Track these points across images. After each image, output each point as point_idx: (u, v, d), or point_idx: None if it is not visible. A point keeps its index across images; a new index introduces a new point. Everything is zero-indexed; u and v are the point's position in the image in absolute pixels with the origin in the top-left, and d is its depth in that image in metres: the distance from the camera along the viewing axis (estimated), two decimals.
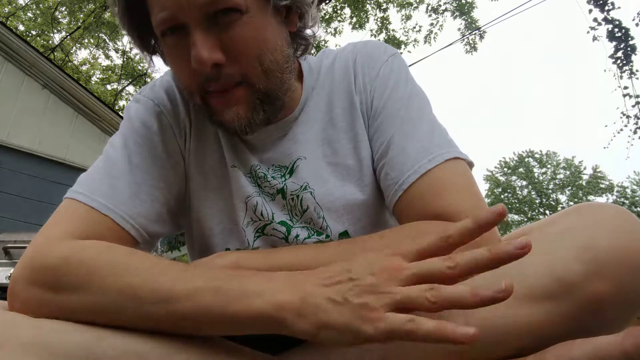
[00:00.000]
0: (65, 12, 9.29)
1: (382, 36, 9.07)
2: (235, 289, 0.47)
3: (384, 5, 8.92)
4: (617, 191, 25.05)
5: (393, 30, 9.14)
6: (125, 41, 9.89)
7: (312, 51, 0.77)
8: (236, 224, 0.72)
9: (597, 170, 25.33)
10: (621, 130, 6.99)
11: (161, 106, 0.72)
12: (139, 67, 10.37)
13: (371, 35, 9.06)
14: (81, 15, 8.87)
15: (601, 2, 5.95)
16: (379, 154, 0.68)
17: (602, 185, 25.13)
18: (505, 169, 27.13)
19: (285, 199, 0.71)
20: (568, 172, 26.14)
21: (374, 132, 0.70)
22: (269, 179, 0.71)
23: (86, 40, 10.21)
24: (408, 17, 9.13)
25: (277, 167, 0.72)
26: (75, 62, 11.11)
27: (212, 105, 0.62)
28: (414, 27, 9.18)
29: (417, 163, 0.63)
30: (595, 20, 6.08)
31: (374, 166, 0.71)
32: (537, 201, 26.04)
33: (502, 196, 26.52)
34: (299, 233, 0.71)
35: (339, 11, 8.96)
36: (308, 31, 0.70)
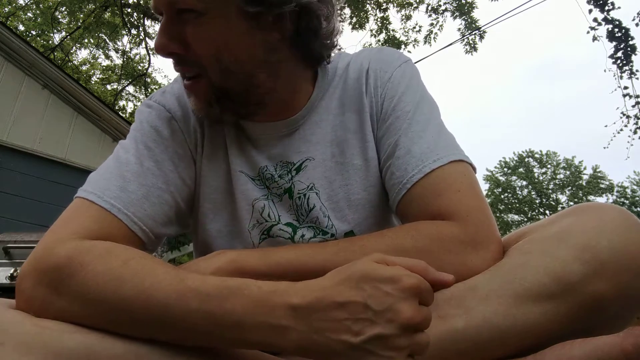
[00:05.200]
0: (65, 12, 9.28)
1: (382, 36, 9.06)
2: (230, 316, 0.45)
3: (384, 5, 8.91)
4: (617, 191, 25.08)
5: (393, 30, 9.13)
6: (125, 41, 9.90)
7: None
8: (242, 227, 0.73)
9: (597, 170, 25.35)
10: (621, 130, 6.99)
11: (172, 112, 0.73)
12: (139, 67, 10.37)
13: (371, 35, 9.06)
14: (81, 15, 8.86)
15: (601, 2, 5.95)
16: (386, 155, 0.69)
17: (602, 185, 25.15)
18: (505, 169, 27.14)
19: (292, 198, 0.72)
20: (568, 172, 26.15)
21: (383, 133, 0.71)
22: (276, 178, 0.72)
23: (86, 40, 10.21)
24: (408, 17, 9.11)
25: (283, 164, 0.73)
26: (75, 62, 11.12)
27: None
28: (414, 27, 9.15)
29: (421, 163, 0.64)
30: (595, 20, 6.09)
31: (381, 167, 0.71)
32: (537, 201, 26.05)
33: (502, 196, 26.55)
34: (305, 233, 0.71)
35: (339, 11, 8.95)
36: (319, 41, 0.68)
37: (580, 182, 25.56)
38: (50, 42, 10.16)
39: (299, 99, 0.73)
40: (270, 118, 0.73)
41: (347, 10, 8.80)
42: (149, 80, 10.09)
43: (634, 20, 6.46)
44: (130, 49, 9.99)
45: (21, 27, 10.25)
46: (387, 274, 0.43)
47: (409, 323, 0.42)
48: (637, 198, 24.53)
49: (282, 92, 0.70)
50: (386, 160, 0.69)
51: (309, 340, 0.43)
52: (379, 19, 9.02)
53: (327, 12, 0.67)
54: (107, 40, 10.12)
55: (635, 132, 6.84)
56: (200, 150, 0.74)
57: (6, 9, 9.38)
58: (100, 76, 11.91)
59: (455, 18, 8.68)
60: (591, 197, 24.56)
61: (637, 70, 6.39)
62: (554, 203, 25.68)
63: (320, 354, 0.44)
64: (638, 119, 6.71)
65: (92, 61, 11.78)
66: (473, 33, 8.40)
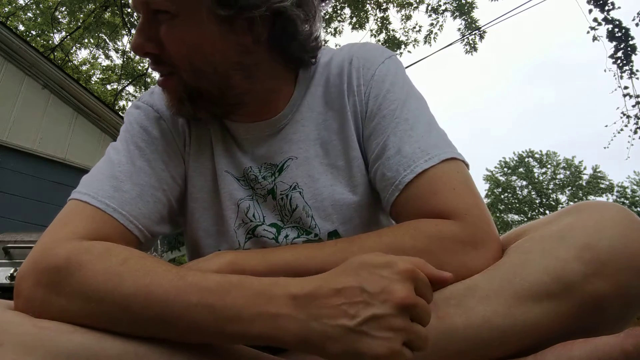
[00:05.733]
0: (65, 12, 9.27)
1: (382, 36, 9.05)
2: (230, 309, 0.46)
3: (384, 5, 8.91)
4: (617, 191, 25.08)
5: (393, 30, 9.12)
6: (125, 41, 9.89)
7: None
8: (228, 226, 0.73)
9: (597, 170, 25.34)
10: (621, 130, 6.98)
11: (160, 112, 0.74)
12: (139, 67, 10.37)
13: (371, 35, 9.04)
14: (81, 15, 8.86)
15: (601, 2, 5.95)
16: (375, 155, 0.68)
17: (602, 185, 25.14)
18: (505, 169, 27.13)
19: (275, 199, 0.72)
20: (568, 172, 26.14)
21: (370, 133, 0.70)
22: (260, 180, 0.72)
23: (86, 40, 10.20)
24: (408, 17, 9.10)
25: (267, 166, 0.73)
26: (75, 62, 11.11)
27: None
28: (414, 27, 9.14)
29: (413, 163, 0.63)
30: (595, 20, 6.08)
31: (369, 168, 0.70)
32: (537, 201, 26.03)
33: (502, 196, 26.53)
34: (289, 233, 0.72)
35: (339, 11, 8.94)
36: (297, 45, 0.67)
37: (580, 182, 25.55)
38: (50, 42, 10.15)
39: (281, 100, 0.73)
40: (253, 118, 0.72)
41: (347, 10, 8.80)
42: (149, 80, 10.07)
43: (634, 20, 6.45)
44: (130, 49, 9.97)
45: (21, 27, 10.24)
46: (383, 260, 0.46)
47: (403, 302, 0.43)
48: (637, 198, 24.53)
49: (261, 93, 0.70)
50: (375, 161, 0.68)
51: (307, 330, 0.44)
52: (379, 19, 9.02)
53: (306, 16, 0.65)
54: (107, 40, 10.11)
55: (635, 132, 6.84)
56: (189, 150, 0.75)
57: (6, 9, 9.38)
58: (100, 76, 11.90)
59: (455, 18, 8.67)
60: (591, 197, 24.52)
61: (637, 70, 6.38)
62: (554, 203, 25.67)
63: (319, 344, 0.44)
64: (638, 119, 6.71)
65: (92, 61, 11.77)
66: (473, 33, 8.39)
